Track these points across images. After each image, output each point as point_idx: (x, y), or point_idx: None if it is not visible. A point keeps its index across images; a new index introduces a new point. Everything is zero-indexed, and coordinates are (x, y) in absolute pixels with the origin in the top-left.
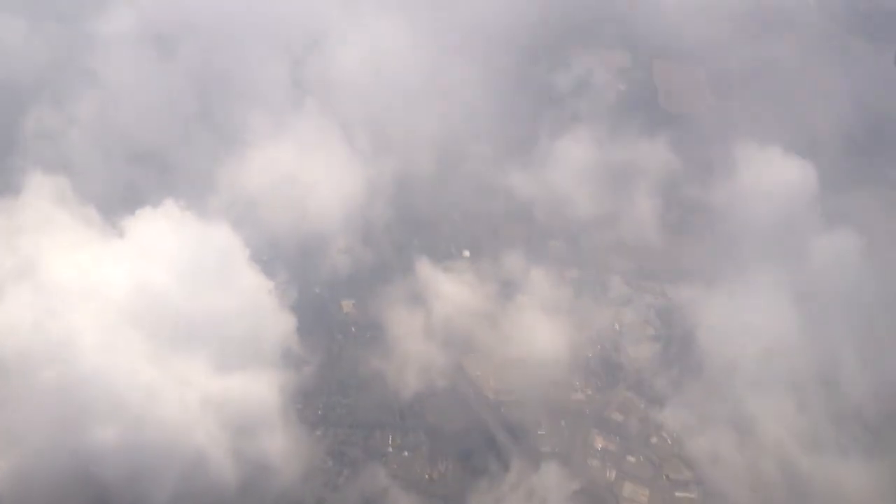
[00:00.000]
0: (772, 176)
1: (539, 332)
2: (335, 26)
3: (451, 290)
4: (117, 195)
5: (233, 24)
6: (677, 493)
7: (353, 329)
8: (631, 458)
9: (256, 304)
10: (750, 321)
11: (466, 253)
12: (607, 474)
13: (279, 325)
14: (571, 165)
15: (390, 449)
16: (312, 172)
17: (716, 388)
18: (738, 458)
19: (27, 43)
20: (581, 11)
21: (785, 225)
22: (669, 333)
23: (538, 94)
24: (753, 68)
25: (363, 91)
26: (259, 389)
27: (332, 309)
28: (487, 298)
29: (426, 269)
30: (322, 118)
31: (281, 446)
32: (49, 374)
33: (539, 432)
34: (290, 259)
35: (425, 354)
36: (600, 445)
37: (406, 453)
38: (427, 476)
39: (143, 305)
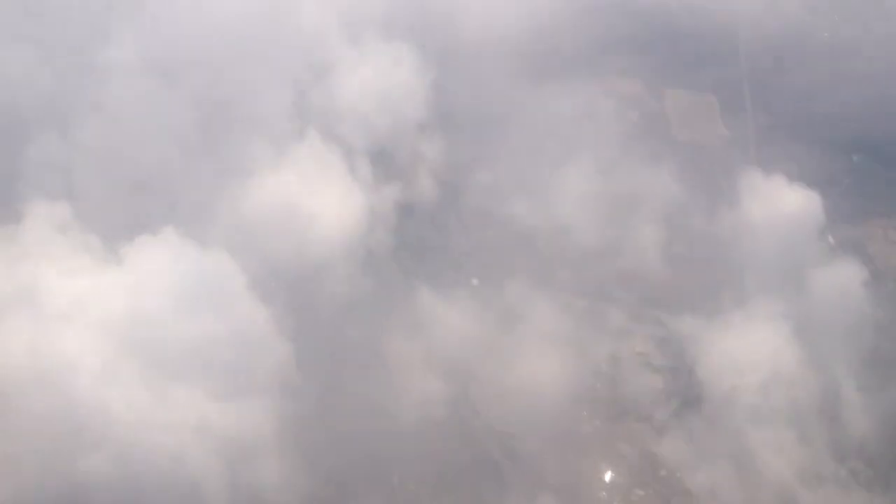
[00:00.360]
0: (777, 206)
1: (543, 362)
2: (339, 55)
3: (453, 319)
4: (118, 222)
5: (237, 54)
6: None
7: (352, 357)
8: (639, 492)
9: (254, 331)
10: (753, 352)
11: (475, 281)
12: None
13: (277, 352)
14: (576, 194)
15: (395, 479)
16: (313, 200)
17: (717, 420)
18: (738, 492)
19: (34, 72)
20: (594, 38)
21: (789, 256)
22: (674, 364)
23: (543, 122)
24: (766, 98)
25: (366, 120)
26: (256, 418)
27: (331, 337)
28: (490, 327)
29: (427, 298)
30: (324, 147)
31: (278, 476)
32: (42, 402)
33: (546, 463)
34: (289, 286)
35: (427, 383)
36: (608, 478)
37: (410, 484)
38: None
39: (139, 333)
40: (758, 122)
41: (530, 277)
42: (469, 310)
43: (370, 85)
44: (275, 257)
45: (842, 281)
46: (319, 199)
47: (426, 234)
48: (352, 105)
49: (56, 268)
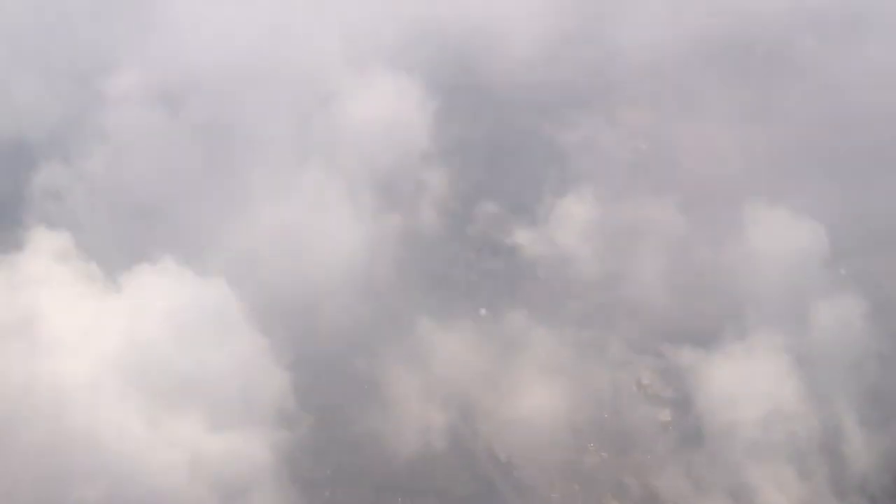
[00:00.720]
0: (780, 238)
1: (544, 392)
2: (343, 85)
3: (455, 349)
4: (119, 250)
5: (241, 82)
6: None
7: (353, 387)
8: None
9: (252, 361)
10: (754, 385)
11: (479, 311)
12: None
13: (275, 382)
14: (579, 225)
15: None
16: (315, 230)
17: (717, 454)
18: None
19: (39, 101)
20: (600, 67)
21: (791, 288)
22: (675, 396)
23: (547, 152)
24: (771, 129)
25: (370, 149)
26: (252, 449)
27: (331, 367)
28: (492, 357)
29: (428, 327)
30: (327, 176)
31: None
32: (38, 431)
33: (552, 495)
34: (289, 316)
35: (428, 414)
36: None
37: None
38: None
39: (136, 362)
40: (763, 153)
41: (533, 308)
42: (471, 340)
43: (374, 115)
44: (275, 286)
45: (845, 314)
46: (321, 229)
47: (428, 264)
48: (355, 134)
49: (55, 296)
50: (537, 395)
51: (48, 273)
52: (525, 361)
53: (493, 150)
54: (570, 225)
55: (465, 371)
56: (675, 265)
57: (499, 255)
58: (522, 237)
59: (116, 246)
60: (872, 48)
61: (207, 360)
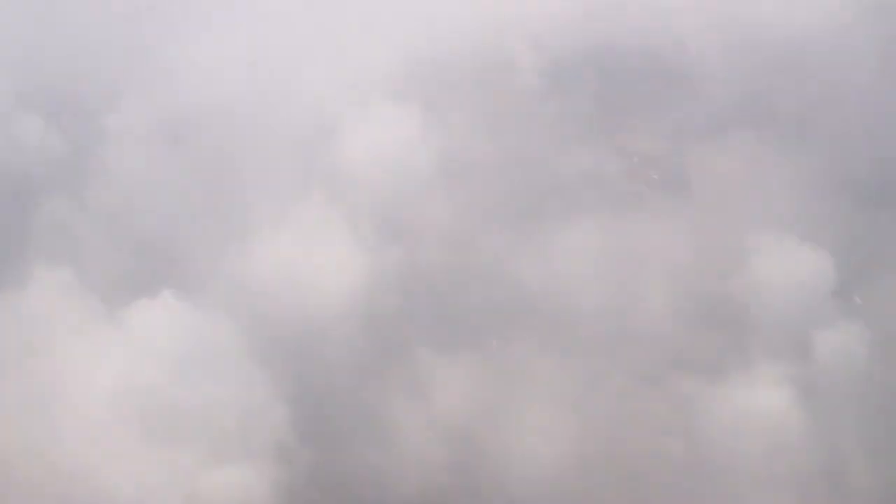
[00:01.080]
0: (786, 266)
1: (547, 425)
2: (345, 117)
3: (456, 382)
4: (121, 284)
5: (242, 116)
6: None
7: (353, 421)
8: None
9: (251, 394)
10: (757, 416)
11: (486, 342)
12: None
13: (274, 416)
14: (583, 254)
15: None
16: (315, 263)
17: (720, 484)
18: None
19: (43, 137)
20: (608, 95)
21: (796, 317)
22: (678, 426)
23: (552, 181)
24: (778, 157)
25: (371, 181)
26: (252, 483)
27: (331, 400)
28: (494, 390)
29: (430, 360)
30: (328, 208)
31: None
32: (36, 467)
33: None
34: (289, 350)
35: (432, 447)
36: None
37: None
38: None
39: (135, 397)
40: (769, 180)
41: (536, 338)
42: (474, 372)
43: (376, 147)
44: (275, 320)
45: (850, 344)
46: (322, 261)
47: (430, 296)
48: (357, 166)
49: (56, 332)
50: (542, 427)
51: (50, 309)
52: (529, 393)
53: (497, 180)
54: (575, 254)
55: (468, 403)
56: (680, 294)
57: (502, 285)
58: (526, 267)
59: (118, 280)
60: (877, 75)
61: (207, 393)
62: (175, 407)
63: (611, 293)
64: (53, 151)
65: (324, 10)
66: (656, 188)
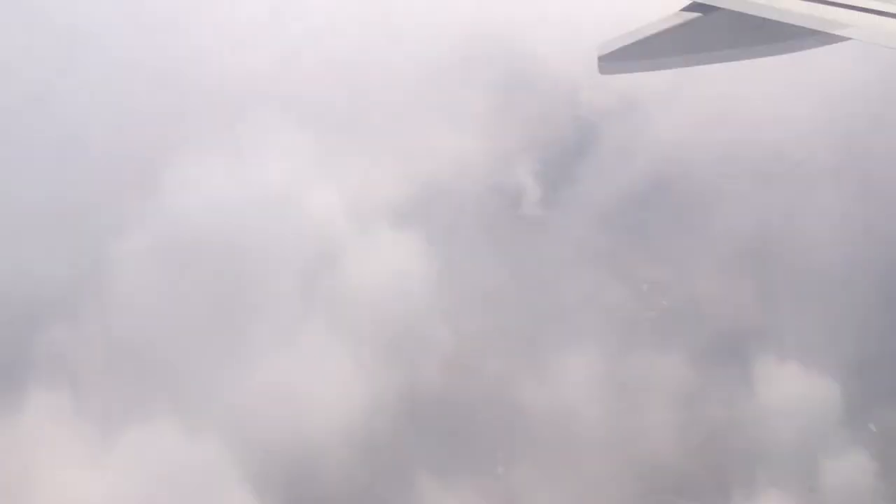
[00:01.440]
0: (791, 395)
1: None
2: (346, 243)
3: None
4: (116, 410)
5: (244, 241)
6: None
7: None
8: None
9: None
10: None
11: (500, 469)
12: None
13: None
14: (585, 380)
15: None
16: (314, 388)
17: None
18: None
19: (47, 261)
20: (612, 224)
21: (801, 446)
22: None
23: (555, 307)
24: (782, 285)
25: (372, 307)
26: None
27: None
28: None
29: (429, 486)
30: (328, 333)
31: None
32: None
33: None
34: (285, 475)
35: None
36: None
37: None
38: None
39: None
40: (774, 308)
41: (538, 466)
42: (474, 499)
43: (377, 272)
44: (272, 445)
45: (855, 474)
46: (320, 387)
47: (429, 421)
48: (358, 292)
49: (49, 460)
50: None
51: (44, 436)
52: None
53: (498, 305)
54: (576, 381)
55: None
56: (683, 422)
57: (503, 412)
58: (527, 394)
59: (114, 405)
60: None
61: None
62: None
63: (614, 420)
64: (56, 276)
65: (326, 134)
66: (656, 314)
